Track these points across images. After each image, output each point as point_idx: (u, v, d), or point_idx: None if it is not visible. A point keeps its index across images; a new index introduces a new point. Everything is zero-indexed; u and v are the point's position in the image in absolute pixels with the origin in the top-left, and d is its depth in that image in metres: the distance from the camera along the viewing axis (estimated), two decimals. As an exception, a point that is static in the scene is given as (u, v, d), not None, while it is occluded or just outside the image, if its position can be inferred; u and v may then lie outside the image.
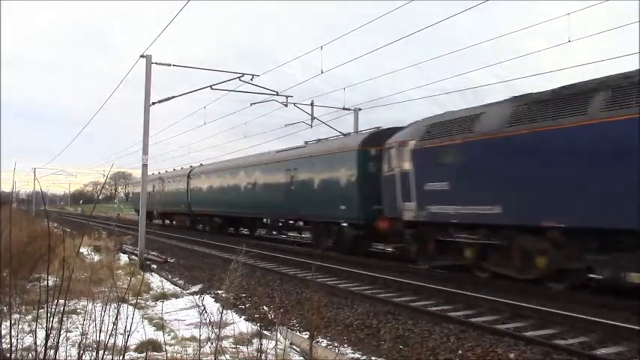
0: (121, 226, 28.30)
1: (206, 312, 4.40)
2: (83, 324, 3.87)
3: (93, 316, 3.65)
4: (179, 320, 6.59)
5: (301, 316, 7.71)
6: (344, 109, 20.99)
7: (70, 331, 4.41)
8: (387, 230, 13.68)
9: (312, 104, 20.48)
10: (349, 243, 15.79)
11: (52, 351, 3.17)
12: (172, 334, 6.37)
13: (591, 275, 9.32)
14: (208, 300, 8.34)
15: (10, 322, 3.28)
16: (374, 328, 7.20)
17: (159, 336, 5.73)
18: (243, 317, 7.73)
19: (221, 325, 4.12)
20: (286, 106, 19.12)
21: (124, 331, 3.35)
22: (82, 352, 3.37)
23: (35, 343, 3.24)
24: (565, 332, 6.81)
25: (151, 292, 9.79)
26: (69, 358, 3.67)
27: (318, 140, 18.96)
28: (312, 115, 20.48)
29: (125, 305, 3.71)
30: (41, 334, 3.18)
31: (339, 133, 19.99)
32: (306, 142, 19.40)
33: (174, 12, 25.24)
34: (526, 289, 9.59)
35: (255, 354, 3.94)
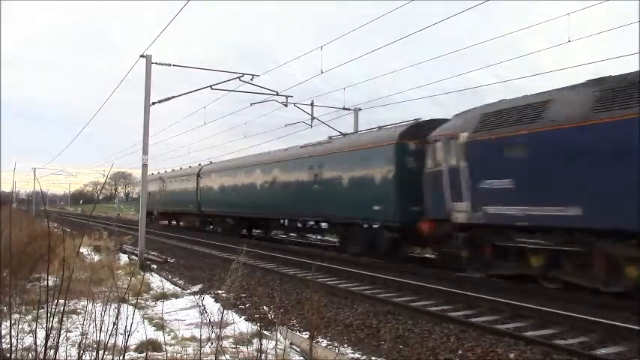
0: (121, 226, 28.27)
1: (206, 312, 4.40)
2: (83, 324, 3.87)
3: (93, 316, 3.65)
4: (179, 320, 6.59)
5: (301, 316, 7.71)
6: (344, 109, 20.98)
7: (70, 331, 4.41)
8: (429, 233, 12.12)
9: (312, 104, 20.48)
10: (383, 247, 14.12)
11: (52, 351, 3.17)
12: (172, 334, 6.37)
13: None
14: (208, 300, 8.35)
15: (10, 322, 3.28)
16: (374, 328, 7.20)
17: (159, 336, 5.74)
18: (243, 317, 7.73)
19: (222, 325, 4.12)
20: (286, 106, 19.12)
21: (124, 331, 3.35)
22: (82, 352, 3.37)
23: (35, 343, 3.24)
24: (565, 332, 6.81)
25: (150, 292, 9.79)
26: (69, 358, 3.67)
27: (344, 134, 17.59)
28: (312, 115, 20.48)
29: (125, 305, 3.71)
30: (41, 334, 3.18)
31: (339, 133, 19.99)
32: (330, 137, 17.80)
33: (174, 12, 25.26)
34: (526, 289, 9.59)
35: (255, 354, 3.94)
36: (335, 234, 17.75)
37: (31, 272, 7.13)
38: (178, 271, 13.72)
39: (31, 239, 9.31)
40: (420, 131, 13.29)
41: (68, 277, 3.50)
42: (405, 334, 6.87)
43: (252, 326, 6.62)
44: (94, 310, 3.71)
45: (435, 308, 8.34)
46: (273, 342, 4.39)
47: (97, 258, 13.45)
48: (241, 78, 16.75)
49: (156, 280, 11.32)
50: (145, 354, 5.09)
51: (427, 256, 15.01)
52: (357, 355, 6.12)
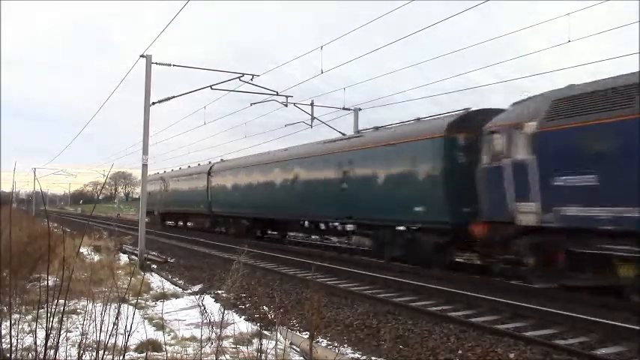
0: (121, 226, 28.26)
1: (206, 312, 4.40)
2: (83, 324, 3.87)
3: (93, 316, 3.65)
4: (179, 320, 6.59)
5: (301, 316, 7.71)
6: (344, 109, 20.99)
7: (70, 331, 4.41)
8: (483, 237, 10.60)
9: (312, 104, 20.50)
10: (427, 253, 12.52)
11: (52, 351, 3.17)
12: (172, 334, 6.37)
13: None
14: (208, 300, 8.35)
15: (10, 322, 3.28)
16: (374, 328, 7.20)
17: (159, 336, 5.74)
18: (243, 317, 7.73)
19: (222, 325, 4.12)
20: (286, 106, 19.13)
21: (124, 331, 3.35)
22: (82, 352, 3.37)
23: (35, 343, 3.24)
24: (565, 332, 6.81)
25: (151, 292, 9.79)
26: (69, 358, 3.67)
27: (377, 128, 15.68)
28: (312, 115, 20.49)
29: (125, 305, 3.71)
30: (41, 334, 3.18)
31: (340, 133, 19.99)
32: (358, 131, 16.22)
33: (174, 12, 25.27)
34: (526, 289, 9.59)
35: (255, 354, 3.94)
36: (366, 237, 15.62)
37: (31, 272, 7.13)
38: (178, 271, 13.72)
39: (31, 239, 9.31)
40: (470, 122, 11.82)
41: (68, 277, 3.50)
42: (405, 334, 6.87)
43: (252, 326, 6.62)
44: (94, 310, 3.71)
45: (435, 308, 8.34)
46: (273, 342, 4.39)
47: (97, 258, 13.45)
48: (241, 78, 16.75)
49: (156, 280, 11.32)
50: (145, 354, 5.09)
51: (478, 263, 13.01)
52: (357, 355, 6.12)
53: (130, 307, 3.75)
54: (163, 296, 9.26)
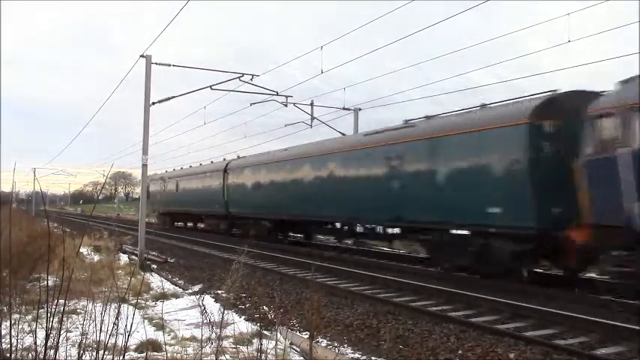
0: (121, 226, 28.27)
1: (206, 312, 4.40)
2: (83, 324, 3.87)
3: (93, 316, 3.65)
4: (179, 320, 6.59)
5: (301, 316, 7.71)
6: (344, 109, 21.01)
7: (70, 331, 4.41)
8: (586, 245, 8.85)
9: (312, 104, 20.52)
10: (502, 263, 10.35)
11: (52, 351, 3.17)
12: (172, 334, 6.37)
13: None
14: (208, 300, 8.35)
15: (10, 322, 3.28)
16: (374, 328, 7.20)
17: (159, 336, 5.74)
18: (243, 317, 7.74)
19: (222, 325, 4.12)
20: (286, 106, 19.15)
21: (124, 331, 3.35)
22: (82, 352, 3.37)
23: (35, 343, 3.24)
24: (565, 332, 6.81)
25: (150, 292, 9.79)
26: (69, 358, 3.67)
27: (429, 117, 13.34)
28: (312, 115, 20.51)
29: (125, 305, 3.71)
30: (41, 334, 3.18)
31: (340, 133, 19.99)
32: (406, 121, 13.86)
33: (174, 12, 25.28)
34: (526, 289, 9.59)
35: (255, 354, 3.94)
36: (416, 243, 13.72)
37: (31, 272, 7.13)
38: (178, 271, 13.72)
39: (31, 239, 9.31)
40: (559, 106, 10.04)
41: (68, 277, 3.50)
42: (405, 334, 6.87)
43: (252, 326, 6.62)
44: (94, 310, 3.71)
45: (435, 308, 8.34)
46: (273, 342, 4.39)
47: (97, 258, 13.45)
48: (241, 78, 16.77)
49: (156, 280, 11.33)
50: (145, 354, 5.09)
51: (559, 274, 10.92)
52: (357, 355, 6.12)
53: (130, 307, 3.75)
54: (163, 296, 9.27)
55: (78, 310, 6.22)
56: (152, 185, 37.50)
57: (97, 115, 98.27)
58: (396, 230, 13.91)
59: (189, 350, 5.47)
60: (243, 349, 5.23)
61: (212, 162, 29.04)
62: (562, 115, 9.87)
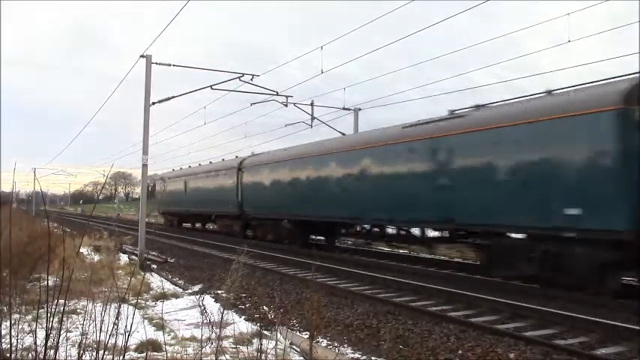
0: (121, 226, 28.26)
1: (206, 312, 4.40)
2: (83, 324, 3.88)
3: (93, 316, 3.65)
4: (179, 320, 6.60)
5: (301, 316, 7.71)
6: (344, 109, 21.02)
7: (70, 331, 4.41)
8: None
9: (312, 104, 20.52)
10: (583, 273, 8.89)
11: (52, 351, 3.17)
12: (172, 334, 6.38)
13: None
14: (208, 300, 8.35)
15: (10, 322, 3.28)
16: (374, 328, 7.20)
17: (159, 336, 5.74)
18: (243, 317, 7.73)
19: (222, 325, 4.12)
20: (286, 106, 19.15)
21: (124, 331, 3.35)
22: (82, 352, 3.37)
23: (35, 343, 3.24)
24: (565, 332, 6.81)
25: (151, 292, 9.79)
26: (69, 358, 3.67)
27: (479, 107, 11.79)
28: (312, 115, 20.51)
29: (125, 305, 3.71)
30: (41, 334, 3.18)
31: (340, 133, 19.99)
32: (452, 111, 12.33)
33: (174, 12, 25.29)
34: (526, 289, 9.59)
35: (255, 354, 3.94)
36: (469, 247, 12.29)
37: (31, 272, 7.14)
38: (178, 271, 13.72)
39: (31, 239, 9.30)
40: None
41: (68, 277, 3.50)
42: (405, 334, 6.87)
43: (252, 326, 6.62)
44: (94, 310, 3.72)
45: (435, 308, 8.34)
46: (273, 342, 4.39)
47: (97, 258, 13.46)
48: (241, 78, 16.77)
49: (156, 280, 11.33)
50: (145, 354, 5.09)
51: None
52: (357, 355, 6.12)
53: (130, 307, 3.75)
54: (163, 296, 9.27)
55: (78, 310, 6.22)
56: (158, 185, 36.44)
57: (97, 115, 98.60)
58: (436, 233, 12.75)
59: (189, 350, 5.47)
60: (243, 349, 5.23)
61: (223, 160, 27.48)
62: None
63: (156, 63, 15.58)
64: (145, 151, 15.62)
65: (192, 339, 5.89)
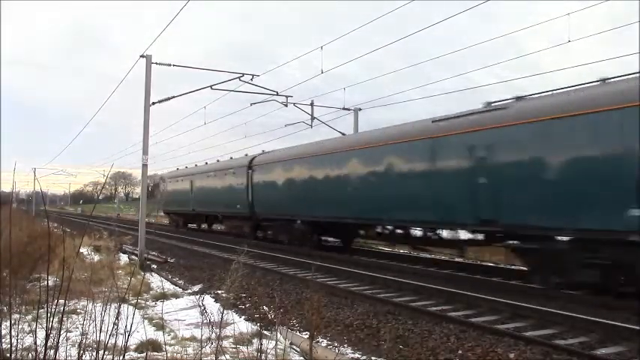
0: (121, 226, 28.26)
1: (206, 312, 4.40)
2: (83, 324, 3.88)
3: (93, 316, 3.65)
4: (179, 320, 6.60)
5: (301, 316, 7.71)
6: (344, 109, 21.02)
7: (70, 331, 4.41)
8: None
9: (312, 104, 20.52)
10: None
11: (52, 351, 3.17)
12: (172, 334, 6.38)
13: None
14: (208, 300, 8.35)
15: (10, 322, 3.28)
16: (374, 328, 7.20)
17: (159, 336, 5.74)
18: (243, 317, 7.74)
19: (222, 325, 4.12)
20: (286, 106, 19.16)
21: (124, 331, 3.35)
22: (82, 352, 3.37)
23: (35, 343, 3.24)
24: (565, 332, 6.81)
25: (151, 292, 9.80)
26: (69, 358, 3.67)
27: (519, 98, 10.68)
28: (312, 115, 20.51)
29: (125, 305, 3.71)
30: (41, 334, 3.18)
31: (340, 133, 19.99)
32: (489, 103, 11.27)
33: (174, 12, 25.28)
34: (526, 289, 9.59)
35: (255, 354, 3.94)
36: (513, 251, 10.97)
37: (31, 272, 7.14)
38: (178, 271, 13.72)
39: (31, 239, 9.31)
40: None
41: (68, 277, 3.50)
42: (405, 334, 6.87)
43: (252, 326, 6.62)
44: (94, 310, 3.72)
45: (435, 308, 8.34)
46: (273, 342, 4.40)
47: (97, 258, 13.46)
48: (241, 78, 16.77)
49: (156, 280, 11.33)
50: (145, 354, 5.09)
51: None
52: (357, 355, 6.12)
53: (130, 307, 3.76)
54: (163, 296, 9.27)
55: (78, 310, 6.22)
56: (163, 184, 35.16)
57: (97, 115, 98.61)
58: (469, 235, 11.72)
59: (189, 350, 5.47)
60: (243, 349, 5.23)
61: (231, 158, 26.23)
62: None
63: (156, 63, 15.59)
64: (145, 151, 15.62)
65: (192, 339, 5.90)
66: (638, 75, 8.72)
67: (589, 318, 6.94)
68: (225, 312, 4.29)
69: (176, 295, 9.63)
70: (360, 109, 21.73)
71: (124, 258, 15.74)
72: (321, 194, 16.55)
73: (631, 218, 7.87)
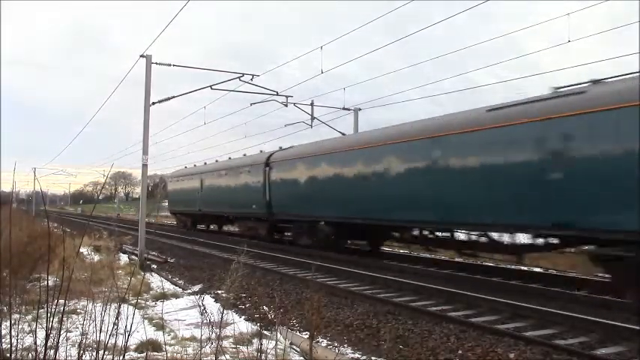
0: (121, 226, 28.25)
1: (206, 312, 4.40)
2: (83, 324, 3.88)
3: (93, 316, 3.65)
4: (179, 320, 6.60)
5: (301, 316, 7.71)
6: (344, 109, 21.04)
7: (70, 331, 4.41)
8: None
9: (312, 104, 20.54)
10: None
11: (52, 351, 3.17)
12: (172, 334, 6.38)
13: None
14: (208, 300, 8.36)
15: (10, 322, 3.28)
16: (374, 328, 7.20)
17: (159, 336, 5.74)
18: (243, 317, 7.73)
19: (222, 325, 4.12)
20: (286, 106, 19.17)
21: (124, 331, 3.35)
22: (82, 352, 3.37)
23: (35, 343, 3.24)
24: (565, 332, 6.81)
25: (151, 292, 9.79)
26: (69, 358, 3.67)
27: (595, 82, 9.57)
28: (312, 115, 20.52)
29: (125, 305, 3.71)
30: (41, 334, 3.18)
31: (340, 133, 20.00)
32: (557, 89, 10.16)
33: (174, 12, 25.29)
34: (526, 289, 9.59)
35: (255, 354, 3.94)
36: (591, 259, 9.75)
37: (31, 272, 7.14)
38: (178, 271, 13.72)
39: (31, 239, 9.31)
40: None
41: (68, 277, 3.50)
42: (405, 334, 6.87)
43: (252, 326, 6.63)
44: (94, 310, 3.72)
45: (435, 308, 8.33)
46: (273, 342, 4.40)
47: (97, 258, 13.46)
48: (241, 78, 16.78)
49: (156, 280, 11.33)
50: (145, 354, 5.10)
51: None
52: (357, 355, 6.12)
53: (130, 307, 3.76)
54: (163, 296, 9.27)
55: (78, 310, 6.23)
56: (170, 184, 33.75)
57: (98, 114, 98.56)
58: (529, 239, 10.39)
59: (189, 350, 5.47)
60: (243, 349, 5.23)
61: (245, 155, 24.82)
62: None
63: (156, 63, 15.59)
64: (145, 151, 15.62)
65: (192, 339, 5.90)
66: None
67: (589, 318, 6.94)
68: (225, 312, 4.29)
69: (176, 295, 9.63)
70: (360, 109, 21.75)
71: (124, 258, 15.74)
72: (350, 193, 15.18)
73: None
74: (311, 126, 20.74)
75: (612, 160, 8.53)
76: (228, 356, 4.41)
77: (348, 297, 9.37)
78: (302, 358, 5.56)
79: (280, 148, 21.41)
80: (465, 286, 9.65)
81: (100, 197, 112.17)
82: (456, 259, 14.92)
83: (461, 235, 12.13)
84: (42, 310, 3.42)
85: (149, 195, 22.15)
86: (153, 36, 68.15)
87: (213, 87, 17.31)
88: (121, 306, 3.53)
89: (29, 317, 4.13)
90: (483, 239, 11.49)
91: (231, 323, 5.74)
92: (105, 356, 3.23)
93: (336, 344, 6.52)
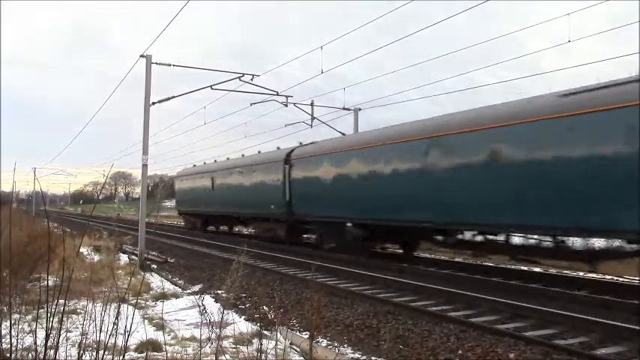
0: (121, 226, 28.23)
1: (206, 312, 4.41)
2: (83, 324, 3.88)
3: (93, 316, 3.66)
4: (179, 320, 6.60)
5: (301, 316, 7.71)
6: (344, 109, 21.03)
7: (70, 331, 4.41)
8: None
9: (312, 104, 20.53)
10: None
11: (52, 351, 3.17)
12: (172, 334, 6.38)
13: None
14: (208, 300, 8.36)
15: (10, 322, 3.28)
16: (374, 328, 7.20)
17: (159, 336, 5.74)
18: (243, 317, 7.74)
19: (222, 325, 4.12)
20: (286, 106, 19.16)
21: (124, 331, 3.35)
22: (82, 352, 3.37)
23: (35, 343, 3.24)
24: (565, 332, 6.81)
25: (151, 292, 9.80)
26: (69, 358, 3.67)
27: None
28: (312, 115, 20.51)
29: (125, 305, 3.71)
30: (41, 334, 3.18)
31: (340, 133, 19.99)
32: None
33: (174, 12, 25.28)
34: (526, 289, 9.59)
35: (255, 354, 3.94)
36: None
37: (31, 272, 7.14)
38: (178, 271, 13.72)
39: (31, 239, 9.31)
40: None
41: (68, 277, 3.50)
42: (405, 334, 6.87)
43: (252, 326, 6.62)
44: (94, 310, 3.72)
45: (435, 308, 8.33)
46: (273, 342, 4.40)
47: (97, 258, 13.46)
48: (241, 78, 16.77)
49: (156, 280, 11.33)
50: (145, 354, 5.09)
51: None
52: (357, 355, 6.12)
53: (130, 307, 3.76)
54: (163, 296, 9.27)
55: (78, 310, 6.23)
56: (178, 183, 32.12)
57: (97, 114, 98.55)
58: (605, 244, 9.06)
59: (189, 350, 5.47)
60: (243, 349, 5.23)
61: (259, 152, 23.45)
62: None
63: (156, 63, 15.59)
64: (145, 151, 15.62)
65: (192, 339, 5.90)
66: None
67: (589, 318, 6.94)
68: (225, 312, 4.29)
69: (176, 295, 9.63)
70: (360, 109, 21.74)
71: (124, 258, 15.75)
72: (385, 192, 13.59)
73: None
74: (311, 126, 20.74)
75: None
76: (228, 356, 4.41)
77: (348, 297, 9.37)
78: (302, 358, 5.56)
79: (300, 143, 19.82)
80: (465, 286, 9.65)
81: (100, 197, 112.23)
82: (456, 259, 14.93)
83: (515, 239, 10.70)
84: (42, 310, 3.42)
85: (149, 195, 21.97)
86: (153, 36, 68.21)
87: (213, 87, 17.31)
88: (121, 306, 3.53)
89: (29, 317, 4.13)
90: (548, 243, 10.01)
91: (231, 323, 5.74)
92: (105, 356, 3.23)
93: (336, 344, 6.52)
